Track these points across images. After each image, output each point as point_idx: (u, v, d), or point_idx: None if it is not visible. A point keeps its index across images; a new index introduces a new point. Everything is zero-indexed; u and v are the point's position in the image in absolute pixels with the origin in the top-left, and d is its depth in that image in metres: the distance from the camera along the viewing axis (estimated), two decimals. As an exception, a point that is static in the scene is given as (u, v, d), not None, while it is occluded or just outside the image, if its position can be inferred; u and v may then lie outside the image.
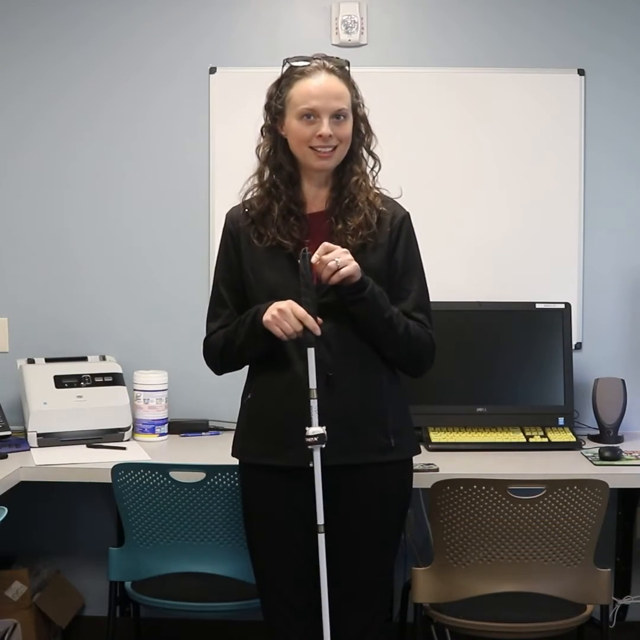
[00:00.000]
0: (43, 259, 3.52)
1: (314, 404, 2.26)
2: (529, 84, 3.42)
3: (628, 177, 3.46)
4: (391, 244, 2.40)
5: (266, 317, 2.28)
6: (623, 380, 3.31)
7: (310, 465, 2.28)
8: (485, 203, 3.46)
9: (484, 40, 3.44)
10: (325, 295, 2.30)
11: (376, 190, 2.43)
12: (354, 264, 2.27)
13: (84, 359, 3.41)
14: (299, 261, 2.27)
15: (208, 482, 2.63)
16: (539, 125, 3.43)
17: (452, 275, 3.37)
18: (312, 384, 2.26)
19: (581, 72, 3.42)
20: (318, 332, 2.27)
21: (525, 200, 3.46)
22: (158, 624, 3.36)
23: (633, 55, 3.43)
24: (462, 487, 2.55)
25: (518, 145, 3.44)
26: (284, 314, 2.25)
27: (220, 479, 2.62)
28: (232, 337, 2.39)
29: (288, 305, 2.27)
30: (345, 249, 2.29)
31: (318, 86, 2.30)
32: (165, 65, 3.47)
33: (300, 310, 2.26)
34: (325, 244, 2.28)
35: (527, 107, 3.43)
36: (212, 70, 3.44)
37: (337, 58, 2.37)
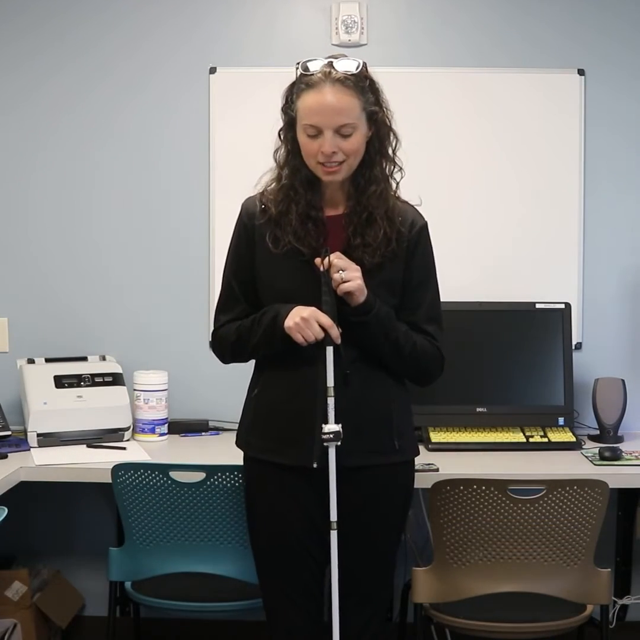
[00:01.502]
0: (43, 259, 3.51)
1: (331, 401, 2.26)
2: (529, 84, 3.42)
3: (628, 177, 3.46)
4: (408, 255, 2.37)
5: (288, 323, 2.27)
6: (623, 380, 3.31)
7: (314, 465, 2.29)
8: (485, 203, 3.46)
9: (483, 40, 3.44)
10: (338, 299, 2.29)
11: (396, 198, 2.39)
12: (359, 283, 2.26)
13: (84, 359, 3.41)
14: (319, 260, 2.27)
15: (208, 482, 2.62)
16: (539, 125, 3.43)
17: (452, 275, 3.34)
18: (330, 382, 2.26)
19: (581, 72, 3.42)
20: (339, 341, 2.27)
21: (525, 200, 3.46)
22: (158, 624, 3.36)
23: (633, 54, 3.42)
24: (462, 487, 2.55)
25: (518, 145, 3.44)
26: (308, 323, 2.25)
27: (220, 479, 2.62)
28: (246, 333, 2.37)
29: (312, 313, 2.26)
30: (357, 267, 2.28)
31: (319, 101, 2.24)
32: (165, 64, 3.46)
33: (325, 319, 2.25)
34: (338, 253, 2.28)
35: (527, 107, 3.43)
36: (212, 70, 3.44)
37: (352, 60, 2.27)
